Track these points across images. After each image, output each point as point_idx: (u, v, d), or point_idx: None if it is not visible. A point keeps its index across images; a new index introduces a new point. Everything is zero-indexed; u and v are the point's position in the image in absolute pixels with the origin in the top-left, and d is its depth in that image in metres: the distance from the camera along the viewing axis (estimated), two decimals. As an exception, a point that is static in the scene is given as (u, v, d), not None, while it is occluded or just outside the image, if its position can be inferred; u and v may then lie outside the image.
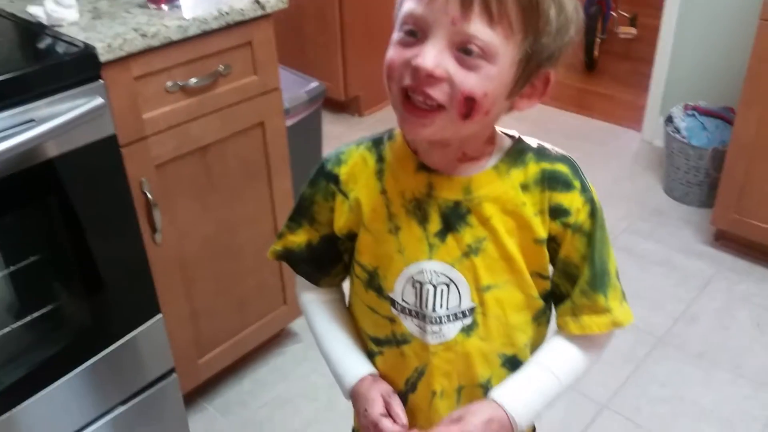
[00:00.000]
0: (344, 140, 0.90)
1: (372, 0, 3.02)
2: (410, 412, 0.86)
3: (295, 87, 1.93)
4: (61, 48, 1.27)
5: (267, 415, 1.83)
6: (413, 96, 0.70)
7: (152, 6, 1.40)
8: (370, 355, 0.89)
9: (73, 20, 1.35)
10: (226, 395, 1.88)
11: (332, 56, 3.09)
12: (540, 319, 0.86)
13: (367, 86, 3.22)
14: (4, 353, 1.37)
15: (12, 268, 1.36)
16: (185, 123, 1.46)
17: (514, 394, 0.82)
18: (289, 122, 1.76)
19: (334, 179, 0.84)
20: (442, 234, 0.79)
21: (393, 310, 0.83)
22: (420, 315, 0.82)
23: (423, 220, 0.80)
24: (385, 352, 0.87)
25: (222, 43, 1.46)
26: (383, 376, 0.88)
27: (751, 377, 1.92)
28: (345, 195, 0.84)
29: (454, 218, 0.79)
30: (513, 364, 0.85)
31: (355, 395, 0.87)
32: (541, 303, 0.84)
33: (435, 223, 0.80)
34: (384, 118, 2.99)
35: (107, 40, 1.26)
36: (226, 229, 1.66)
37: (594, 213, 0.80)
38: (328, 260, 0.90)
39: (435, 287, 0.80)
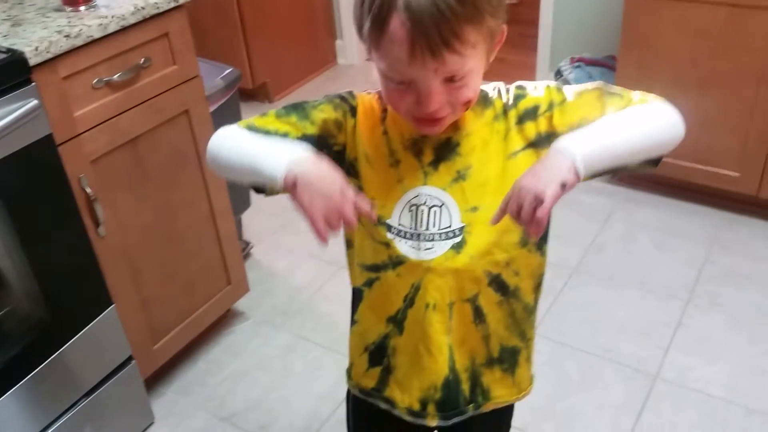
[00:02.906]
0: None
1: (268, -11, 3.11)
2: (409, 325, 0.97)
3: (211, 75, 2.00)
4: (-14, 55, 1.31)
5: (227, 389, 1.91)
6: (425, 117, 0.85)
7: (69, 8, 1.45)
8: (368, 284, 0.99)
9: (-9, 29, 1.38)
10: (183, 378, 1.95)
11: (235, 47, 3.15)
12: (528, 245, 0.96)
13: (274, 73, 3.30)
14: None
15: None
16: (114, 117, 1.52)
17: (569, 137, 0.85)
18: (210, 108, 1.83)
19: (352, 109, 0.96)
20: (435, 163, 0.93)
21: (388, 235, 0.94)
22: (415, 236, 0.93)
23: (418, 153, 0.93)
24: (381, 276, 0.97)
25: (140, 37, 1.52)
26: (382, 298, 0.98)
27: (657, 291, 2.15)
28: (354, 124, 0.95)
29: (445, 150, 0.92)
30: (499, 284, 0.96)
31: (303, 176, 0.79)
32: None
33: (428, 155, 0.93)
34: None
35: (33, 44, 1.31)
36: (165, 217, 1.73)
37: (558, 88, 0.94)
38: None
39: (429, 209, 0.92)
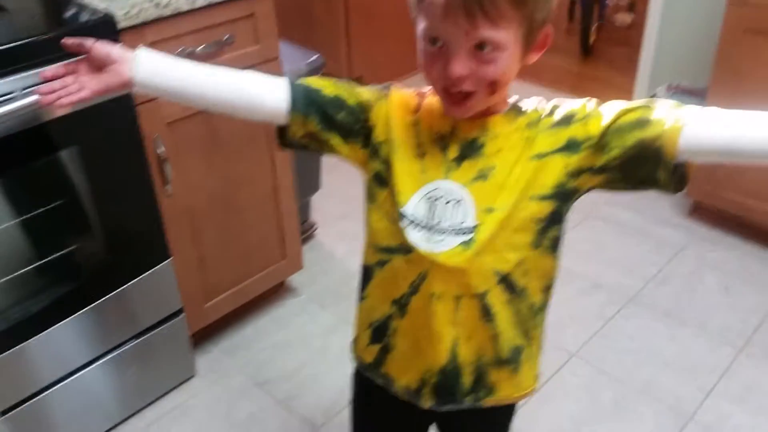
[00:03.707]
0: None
1: (375, -16, 3.20)
2: (411, 310, 1.01)
3: (297, 60, 2.10)
4: (84, 15, 1.45)
5: (267, 357, 2.01)
6: (451, 88, 0.91)
7: (165, -19, 1.58)
8: (379, 264, 1.04)
9: (94, -8, 1.53)
10: (229, 339, 2.07)
11: (337, 36, 3.27)
12: (541, 248, 0.98)
13: (371, 66, 3.39)
14: (28, 287, 1.56)
15: (38, 211, 1.53)
16: (193, 86, 1.64)
17: None
18: (290, 91, 1.93)
19: (386, 96, 1.03)
20: (459, 159, 0.97)
21: (401, 223, 0.98)
22: (427, 226, 0.97)
23: (444, 148, 0.98)
24: (393, 259, 1.01)
25: (227, 14, 1.64)
26: (390, 280, 1.03)
27: (714, 334, 2.08)
28: (387, 110, 1.01)
29: (470, 149, 0.97)
30: (508, 283, 0.98)
31: None
32: (536, 226, 0.97)
33: (453, 151, 0.97)
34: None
35: (125, 9, 1.44)
36: (230, 186, 1.84)
37: (597, 104, 0.96)
38: (321, 105, 1.02)
39: (446, 203, 0.96)
